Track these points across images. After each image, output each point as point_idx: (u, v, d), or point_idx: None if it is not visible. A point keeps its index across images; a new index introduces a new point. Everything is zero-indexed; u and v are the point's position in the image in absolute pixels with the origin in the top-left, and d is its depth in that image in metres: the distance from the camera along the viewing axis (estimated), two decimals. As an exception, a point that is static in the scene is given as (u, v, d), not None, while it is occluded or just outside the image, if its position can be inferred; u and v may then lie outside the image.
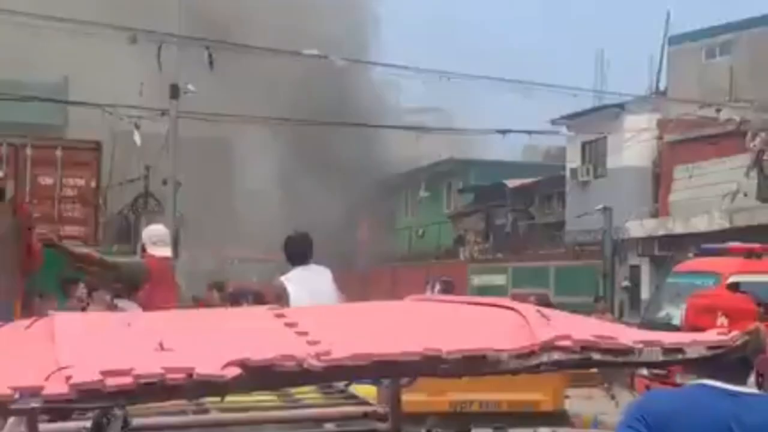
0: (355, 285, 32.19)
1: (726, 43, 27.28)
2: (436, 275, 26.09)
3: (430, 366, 2.18)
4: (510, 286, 25.64)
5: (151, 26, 20.79)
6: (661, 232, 22.60)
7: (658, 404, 2.68)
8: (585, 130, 25.70)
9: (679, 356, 2.30)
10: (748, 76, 25.80)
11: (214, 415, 3.22)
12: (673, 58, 27.91)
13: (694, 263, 15.62)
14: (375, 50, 35.39)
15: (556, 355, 2.21)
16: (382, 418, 3.29)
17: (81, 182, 17.31)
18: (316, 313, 2.80)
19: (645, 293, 21.71)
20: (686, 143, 22.73)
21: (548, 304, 14.92)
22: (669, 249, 21.80)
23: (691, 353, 2.31)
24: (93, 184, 17.59)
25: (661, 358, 2.28)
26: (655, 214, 23.61)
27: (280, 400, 3.44)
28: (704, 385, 2.60)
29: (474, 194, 34.22)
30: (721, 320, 2.63)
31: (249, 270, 35.13)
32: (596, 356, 2.24)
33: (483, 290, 26.07)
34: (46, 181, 17.04)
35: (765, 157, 20.17)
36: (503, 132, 22.33)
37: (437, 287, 26.04)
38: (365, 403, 3.40)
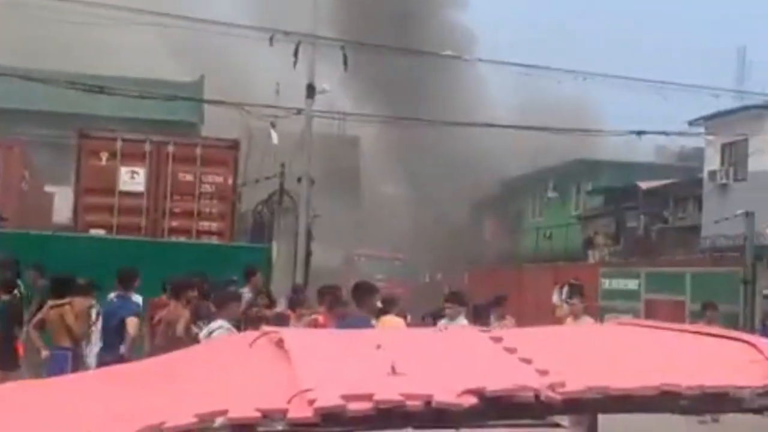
0: (481, 284, 32.06)
1: None
2: (565, 277, 25.71)
3: (668, 402, 2.11)
4: (643, 292, 24.97)
5: (288, 26, 21.18)
6: (805, 239, 21.62)
7: None
8: (724, 131, 24.80)
9: None
10: None
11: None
12: (822, 56, 26.67)
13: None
14: (505, 49, 35.08)
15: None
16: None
17: (219, 179, 17.82)
18: (531, 337, 2.75)
19: (787, 302, 20.79)
20: (834, 146, 21.68)
21: (715, 307, 14.18)
22: (814, 256, 20.85)
23: None
24: (230, 181, 18.08)
25: None
26: (798, 220, 22.59)
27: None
28: None
29: (604, 196, 33.52)
30: None
31: (374, 267, 35.44)
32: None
33: (615, 294, 25.51)
34: (186, 177, 17.60)
35: None
36: (639, 133, 21.80)
37: (565, 289, 25.72)
38: (557, 425, 3.32)
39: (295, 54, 19.90)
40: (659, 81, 21.51)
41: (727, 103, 25.59)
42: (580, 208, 35.68)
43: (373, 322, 9.47)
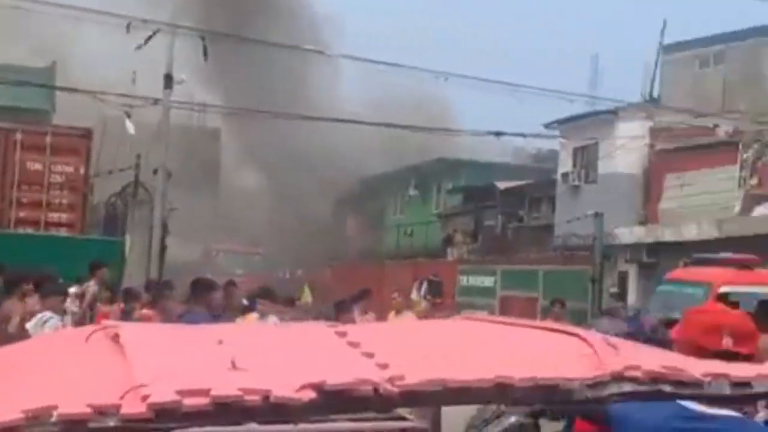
0: (342, 280, 32.19)
1: (719, 53, 27.45)
2: (424, 274, 26.17)
3: (502, 394, 2.16)
4: (499, 289, 25.70)
5: (146, 15, 20.67)
6: (649, 240, 22.71)
7: (629, 411, 2.72)
8: (577, 134, 25.77)
9: (747, 390, 2.29)
10: (740, 87, 25.98)
11: (250, 426, 3.19)
12: (668, 66, 28.05)
13: (685, 272, 15.71)
14: (369, 47, 35.36)
15: (627, 386, 2.20)
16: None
17: (70, 169, 17.25)
18: (376, 332, 2.77)
19: (632, 299, 21.80)
20: (678, 152, 22.83)
21: (563, 303, 14.76)
22: (657, 256, 21.92)
23: (759, 387, 2.30)
24: (82, 171, 17.53)
25: (728, 391, 2.27)
26: (643, 222, 23.72)
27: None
28: (678, 404, 2.60)
29: (463, 195, 34.27)
30: (727, 340, 2.62)
31: (233, 262, 35.09)
32: (666, 388, 2.22)
33: (472, 290, 26.13)
34: (35, 166, 16.97)
35: (758, 167, 20.31)
36: (497, 134, 22.37)
37: (424, 286, 26.15)
38: (402, 418, 3.37)
39: (146, 41, 19.38)
40: (517, 84, 22.14)
41: (581, 107, 26.63)
42: (441, 206, 36.36)
43: (239, 319, 9.39)
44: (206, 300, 8.13)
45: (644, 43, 56.50)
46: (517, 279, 25.18)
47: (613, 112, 24.64)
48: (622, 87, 53.29)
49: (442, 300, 23.66)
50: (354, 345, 2.38)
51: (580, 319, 19.20)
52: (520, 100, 20.32)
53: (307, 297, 24.97)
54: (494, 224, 30.36)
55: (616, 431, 2.74)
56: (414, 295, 25.12)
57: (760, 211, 19.99)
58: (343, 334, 2.49)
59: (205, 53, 20.60)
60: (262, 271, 34.31)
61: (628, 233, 23.38)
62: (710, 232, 20.14)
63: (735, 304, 14.22)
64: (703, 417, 2.55)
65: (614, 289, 22.53)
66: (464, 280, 26.89)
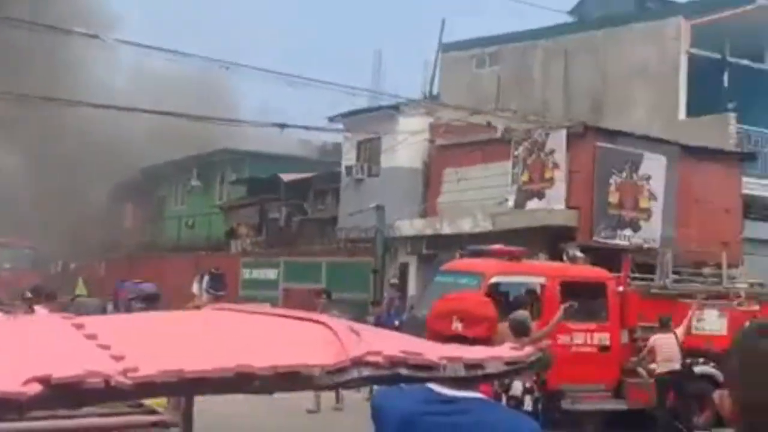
0: (119, 273, 31.11)
1: (494, 53, 28.77)
2: (206, 267, 25.78)
3: (243, 383, 2.14)
4: (282, 281, 25.75)
5: None
6: (428, 232, 23.45)
7: (385, 401, 2.83)
8: (361, 128, 26.21)
9: (480, 372, 2.40)
10: (513, 87, 27.37)
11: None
12: (446, 65, 29.08)
13: (459, 263, 16.41)
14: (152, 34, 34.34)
15: (367, 371, 2.24)
16: (171, 427, 3.21)
17: None
18: (117, 324, 2.68)
19: (412, 290, 22.47)
20: (455, 148, 23.70)
21: (329, 294, 15.04)
22: (436, 248, 22.68)
23: (491, 368, 2.41)
24: None
25: (463, 373, 2.37)
26: (424, 215, 24.48)
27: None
28: (428, 388, 2.69)
29: (247, 186, 34.01)
30: (456, 325, 2.73)
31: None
32: (404, 371, 2.29)
33: (255, 283, 26.02)
34: None
35: (528, 164, 21.43)
36: (281, 126, 22.31)
37: (206, 279, 25.76)
38: (153, 411, 3.29)
39: None
40: (302, 77, 22.21)
41: (365, 102, 27.14)
42: (224, 197, 35.91)
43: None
44: None
45: (425, 41, 58.24)
46: (300, 271, 25.34)
47: (395, 108, 25.25)
48: (404, 83, 54.88)
49: (224, 293, 23.41)
50: (90, 337, 2.29)
51: (363, 310, 19.64)
52: (304, 93, 20.40)
53: (81, 291, 23.98)
54: (278, 216, 30.34)
55: (377, 419, 2.79)
56: (195, 289, 24.70)
57: (531, 205, 21.14)
58: (80, 327, 2.39)
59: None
60: (31, 265, 32.61)
61: (409, 226, 24.04)
62: (485, 225, 21.09)
63: (505, 294, 15.09)
64: (448, 399, 2.64)
65: (395, 281, 23.14)
66: (247, 273, 26.74)
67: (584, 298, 15.33)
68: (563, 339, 14.82)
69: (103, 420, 3.23)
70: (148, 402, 3.39)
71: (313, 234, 28.38)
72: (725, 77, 24.29)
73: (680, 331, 14.35)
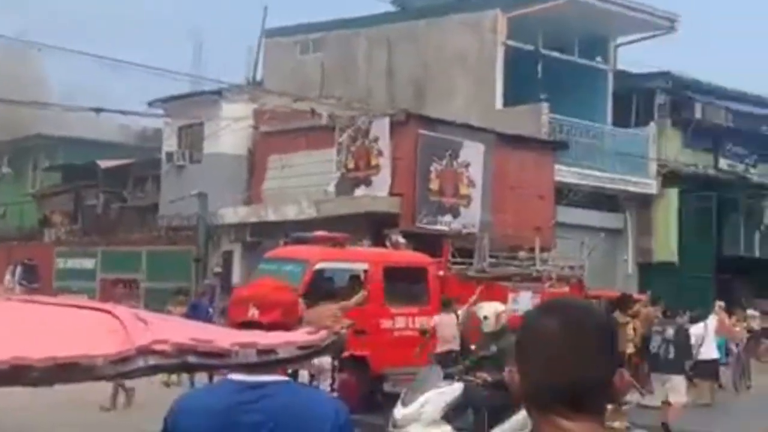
0: None
1: (318, 40, 28.78)
2: (19, 257, 24.59)
3: (20, 375, 2.03)
4: (99, 271, 24.88)
5: None
6: (253, 219, 23.28)
7: (190, 402, 2.80)
8: (182, 114, 25.62)
9: (273, 357, 2.37)
10: (337, 74, 27.48)
11: None
12: (270, 50, 28.85)
13: (283, 250, 16.37)
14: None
15: (153, 360, 2.17)
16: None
17: None
18: None
19: (236, 278, 22.22)
20: (279, 134, 23.60)
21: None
22: (261, 235, 22.55)
23: (284, 354, 2.39)
24: None
25: (256, 359, 2.33)
26: (248, 202, 24.26)
27: None
28: (230, 380, 2.68)
29: (62, 173, 32.60)
30: (252, 312, 2.74)
31: None
32: (193, 359, 2.23)
33: (71, 274, 25.04)
34: None
35: (353, 151, 21.61)
36: (97, 110, 21.48)
37: (19, 270, 24.58)
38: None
39: None
40: (118, 60, 21.49)
41: (184, 87, 26.51)
42: (37, 185, 34.31)
43: None
44: None
45: (247, 25, 57.45)
46: (119, 261, 24.58)
47: (218, 93, 24.86)
48: (226, 68, 53.86)
49: (38, 285, 22.44)
50: None
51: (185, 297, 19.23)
52: (122, 76, 19.74)
53: None
54: (96, 204, 29.27)
55: (182, 421, 2.70)
56: (7, 281, 23.62)
57: (358, 192, 21.34)
58: None
59: None
60: None
61: (233, 213, 23.78)
62: (309, 213, 21.15)
63: (330, 280, 15.19)
64: (256, 385, 2.62)
65: (218, 269, 22.84)
66: (62, 263, 25.68)
67: (406, 283, 15.68)
68: (386, 323, 15.08)
69: None
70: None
71: (133, 222, 27.56)
72: (539, 68, 25.32)
73: (462, 312, 14.38)
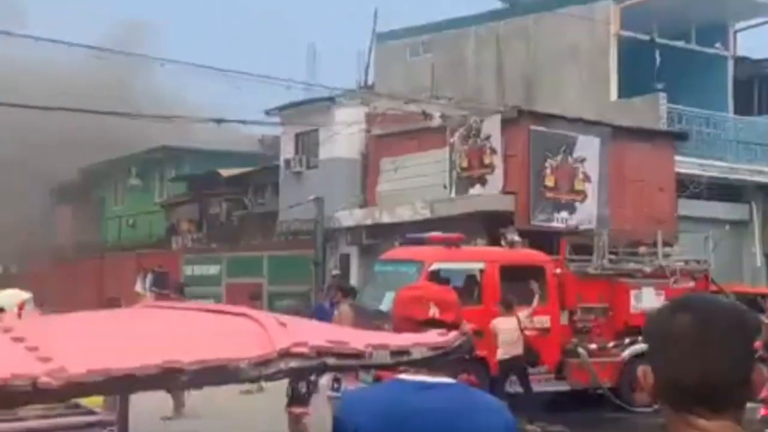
0: (60, 274, 30.67)
1: (428, 42, 28.90)
2: (149, 265, 25.53)
3: (171, 379, 2.18)
4: (224, 276, 25.62)
5: None
6: (368, 222, 23.54)
7: (359, 400, 2.79)
8: (298, 121, 26.14)
9: (405, 358, 2.47)
10: (447, 74, 27.53)
11: None
12: (380, 54, 29.13)
13: (398, 252, 16.50)
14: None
15: (294, 363, 2.29)
16: (107, 426, 3.22)
17: None
18: (45, 325, 2.69)
19: (354, 280, 22.51)
20: (391, 137, 23.81)
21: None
22: (376, 238, 22.78)
23: (416, 354, 2.48)
24: None
25: (389, 360, 2.43)
26: (363, 205, 24.55)
27: (-3, 412, 3.26)
28: (399, 380, 2.72)
29: (187, 183, 33.72)
30: (433, 310, 2.80)
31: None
32: (331, 361, 2.34)
33: (197, 280, 25.84)
34: None
35: (465, 150, 21.60)
36: (218, 121, 22.17)
37: (149, 277, 25.51)
38: (90, 412, 3.30)
39: None
40: (237, 71, 22.06)
41: (300, 94, 27.04)
42: (164, 195, 35.56)
43: None
44: None
45: (358, 31, 58.18)
46: (242, 266, 25.24)
47: (331, 99, 25.25)
48: (338, 74, 54.69)
49: (168, 291, 23.22)
50: (18, 340, 2.31)
51: (304, 301, 19.67)
52: (237, 87, 20.29)
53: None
54: (219, 212, 30.18)
55: (352, 419, 2.73)
56: (139, 287, 24.48)
57: (473, 191, 21.31)
58: (8, 330, 2.40)
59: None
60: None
61: (349, 216, 24.10)
62: (423, 213, 21.24)
63: (446, 280, 15.23)
64: (423, 386, 2.65)
65: (336, 271, 23.17)
66: (190, 270, 26.54)
67: (523, 282, 15.57)
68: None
69: (39, 422, 3.24)
70: (85, 402, 3.41)
71: (254, 228, 28.28)
72: (654, 58, 24.73)
73: (525, 313, 14.02)
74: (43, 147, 33.04)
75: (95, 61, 23.24)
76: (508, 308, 13.97)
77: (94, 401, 3.40)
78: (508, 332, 13.77)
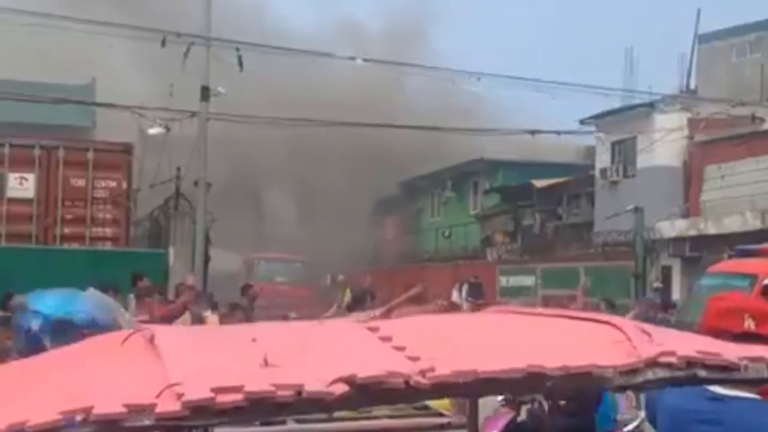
0: (383, 283, 32.16)
1: (756, 40, 27.07)
2: (464, 276, 26.10)
3: (534, 384, 2.16)
4: (539, 287, 25.55)
5: (181, 28, 20.88)
6: (692, 233, 22.45)
7: (661, 398, 2.80)
8: (614, 129, 25.55)
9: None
10: (779, 75, 25.62)
11: (291, 426, 3.22)
12: (704, 56, 27.71)
13: (729, 264, 15.50)
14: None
15: (662, 372, 2.19)
16: (458, 429, 3.27)
17: (112, 184, 17.46)
18: (407, 326, 2.78)
19: (676, 294, 21.54)
20: (717, 143, 22.55)
21: (613, 305, 14.81)
22: (700, 249, 21.66)
23: (794, 369, 2.27)
24: (124, 185, 17.73)
25: (767, 374, 2.25)
26: (685, 215, 23.45)
27: (353, 411, 3.42)
28: (703, 387, 2.58)
29: (501, 195, 34.09)
30: (749, 322, 2.62)
31: (274, 271, 35.25)
32: (702, 373, 2.21)
33: (512, 291, 26.03)
34: (78, 183, 17.20)
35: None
36: (532, 132, 22.26)
37: (465, 288, 26.07)
38: (439, 414, 3.37)
39: (185, 54, 19.66)
40: (551, 81, 22.01)
41: (617, 102, 26.40)
42: (478, 207, 36.21)
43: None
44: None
45: (678, 33, 55.79)
46: (557, 277, 25.01)
47: (650, 105, 24.40)
48: (657, 79, 52.48)
49: (483, 301, 23.59)
50: (385, 339, 2.40)
51: (623, 315, 19.05)
52: (553, 97, 20.24)
53: (348, 299, 25.00)
54: (532, 223, 30.17)
55: (654, 412, 2.81)
56: (455, 298, 25.09)
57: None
58: (374, 330, 2.50)
59: (240, 63, 20.77)
60: (304, 278, 34.48)
61: (670, 227, 23.13)
62: (754, 224, 19.89)
63: (782, 296, 14.07)
64: (720, 398, 2.56)
65: (657, 284, 22.25)
66: (504, 281, 26.77)
67: None
68: None
69: (396, 421, 3.36)
70: (433, 405, 3.49)
71: (569, 239, 27.96)
72: None
73: None
74: (369, 163, 34.96)
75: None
76: None
77: (442, 404, 3.48)
78: None
